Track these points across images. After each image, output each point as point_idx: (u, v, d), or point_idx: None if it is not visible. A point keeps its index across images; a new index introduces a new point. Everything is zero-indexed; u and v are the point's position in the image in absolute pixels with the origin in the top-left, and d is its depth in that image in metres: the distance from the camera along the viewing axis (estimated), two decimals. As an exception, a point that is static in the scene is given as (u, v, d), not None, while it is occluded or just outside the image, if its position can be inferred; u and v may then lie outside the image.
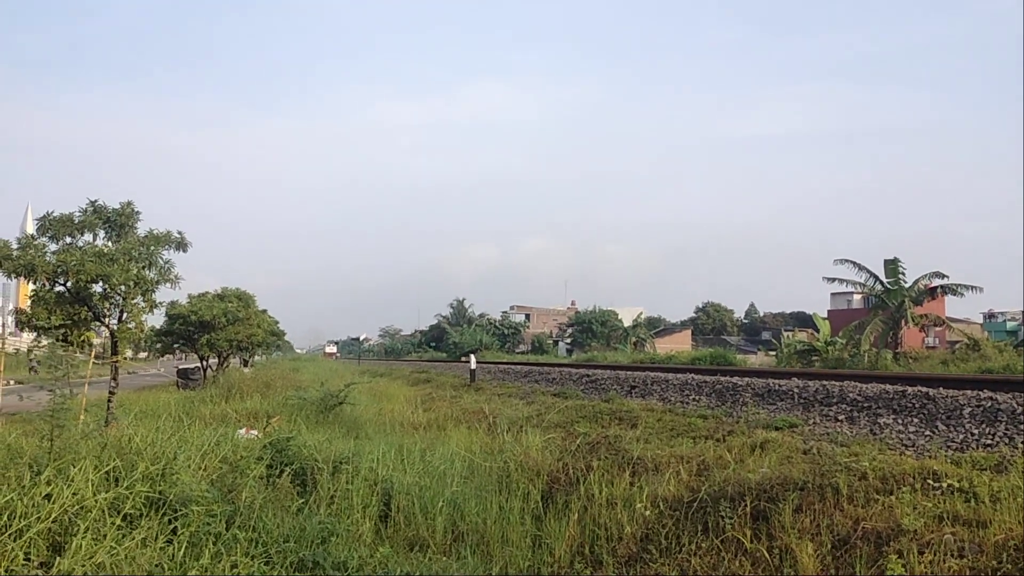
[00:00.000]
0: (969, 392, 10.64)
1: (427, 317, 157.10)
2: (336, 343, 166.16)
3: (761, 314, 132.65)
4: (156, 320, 27.23)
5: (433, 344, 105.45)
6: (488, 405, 19.05)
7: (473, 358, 32.45)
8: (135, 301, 15.18)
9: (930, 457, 8.03)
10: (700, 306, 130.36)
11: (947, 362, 28.39)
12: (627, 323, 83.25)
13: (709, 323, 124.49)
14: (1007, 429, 8.93)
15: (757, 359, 58.75)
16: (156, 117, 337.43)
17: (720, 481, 8.18)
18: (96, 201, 15.33)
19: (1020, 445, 8.25)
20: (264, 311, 38.57)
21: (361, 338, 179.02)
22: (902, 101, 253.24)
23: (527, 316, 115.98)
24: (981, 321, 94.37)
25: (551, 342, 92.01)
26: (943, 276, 37.68)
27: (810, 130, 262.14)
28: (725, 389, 15.02)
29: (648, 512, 8.07)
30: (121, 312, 15.36)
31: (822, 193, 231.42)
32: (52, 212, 14.86)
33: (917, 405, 10.63)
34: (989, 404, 9.76)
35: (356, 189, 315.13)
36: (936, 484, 6.74)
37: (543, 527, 8.61)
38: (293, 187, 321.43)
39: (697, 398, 15.26)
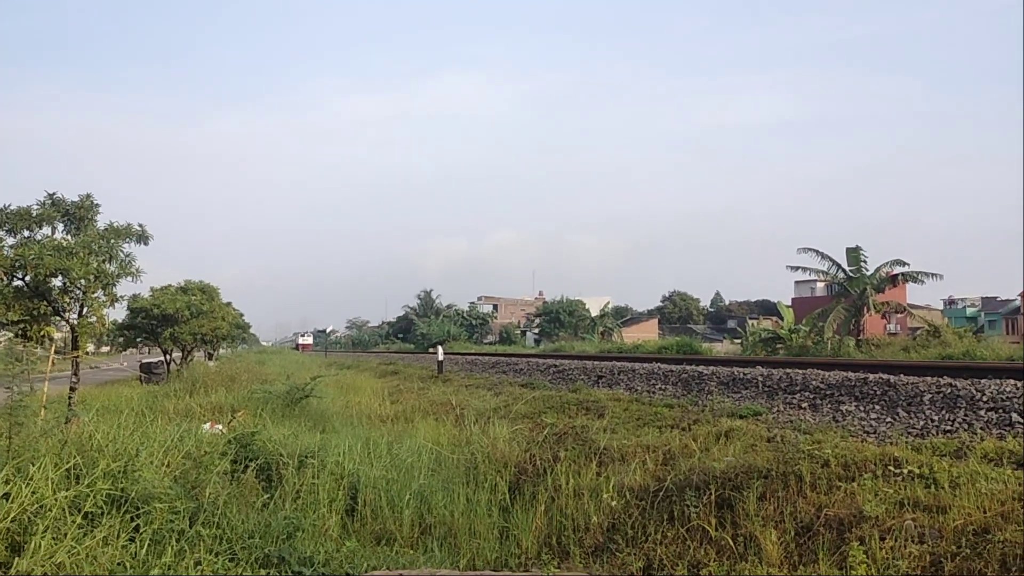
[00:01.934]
0: (929, 379, 10.81)
1: (395, 308, 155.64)
2: (310, 333, 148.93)
3: (727, 303, 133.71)
4: (118, 314, 26.92)
5: (401, 335, 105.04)
6: (456, 396, 19.04)
7: (440, 349, 32.39)
8: (96, 295, 14.95)
9: (891, 444, 8.15)
10: (667, 295, 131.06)
11: (908, 349, 28.77)
12: (594, 313, 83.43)
13: (676, 312, 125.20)
14: (966, 415, 9.08)
15: (723, 347, 59.21)
16: (114, 110, 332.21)
17: (686, 470, 8.25)
18: (54, 194, 15.06)
19: (979, 431, 8.40)
20: (229, 304, 38.19)
21: (328, 330, 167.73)
22: (863, 91, 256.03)
23: (495, 307, 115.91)
24: (941, 308, 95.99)
25: (519, 332, 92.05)
26: (904, 264, 38.21)
27: (773, 120, 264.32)
28: (691, 378, 15.14)
29: (614, 502, 8.12)
30: (81, 306, 15.12)
31: (786, 182, 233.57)
32: (9, 205, 14.57)
33: (879, 392, 10.78)
34: (948, 391, 9.92)
35: (322, 182, 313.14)
36: (897, 470, 6.84)
37: (510, 519, 8.63)
38: (258, 180, 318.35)
39: (663, 387, 15.36)
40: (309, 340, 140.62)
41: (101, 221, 15.44)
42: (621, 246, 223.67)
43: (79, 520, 5.72)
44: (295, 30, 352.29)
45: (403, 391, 23.29)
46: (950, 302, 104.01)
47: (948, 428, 8.85)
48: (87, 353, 18.47)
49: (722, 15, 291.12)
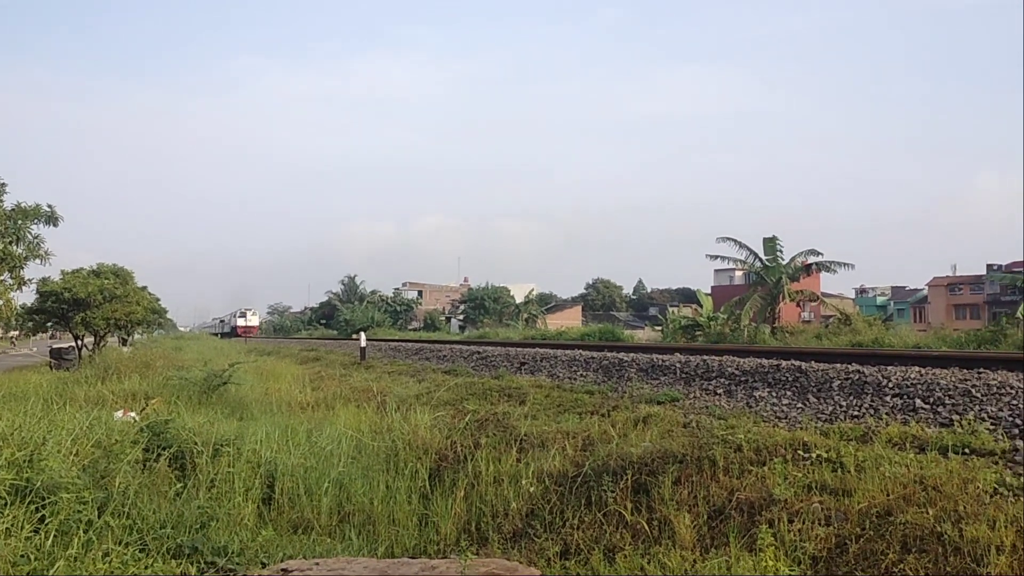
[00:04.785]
0: (839, 366, 11.17)
1: (317, 294, 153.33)
2: (253, 311, 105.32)
3: (649, 290, 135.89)
4: (26, 298, 25.97)
5: (323, 322, 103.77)
6: (378, 383, 18.92)
7: (363, 336, 32.15)
8: (1, 278, 14.43)
9: (801, 429, 8.38)
10: (590, 283, 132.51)
11: (820, 336, 29.67)
12: (519, 300, 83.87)
13: (599, 299, 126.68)
14: (872, 401, 9.41)
15: (644, 334, 60.15)
16: (19, 83, 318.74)
17: (604, 456, 8.36)
18: (-44, 173, 14.43)
19: (884, 416, 8.71)
20: (144, 288, 37.15)
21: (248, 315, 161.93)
22: (776, 84, 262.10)
23: (420, 293, 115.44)
24: (853, 296, 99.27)
25: (443, 319, 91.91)
26: (818, 253, 39.38)
27: (696, 111, 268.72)
28: (611, 365, 15.33)
29: (533, 488, 8.19)
30: (-14, 290, 14.57)
31: (707, 172, 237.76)
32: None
33: (790, 378, 11.09)
34: (856, 377, 10.26)
35: (244, 163, 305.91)
36: (806, 455, 7.05)
37: (430, 505, 8.64)
38: (176, 161, 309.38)
39: (584, 374, 15.52)
40: (255, 321, 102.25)
41: (8, 201, 14.87)
42: (547, 234, 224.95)
43: (-20, 512, 5.52)
44: (215, 3, 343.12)
45: (324, 378, 23.02)
46: (861, 291, 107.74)
47: (855, 414, 9.16)
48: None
49: (645, 7, 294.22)
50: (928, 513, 5.26)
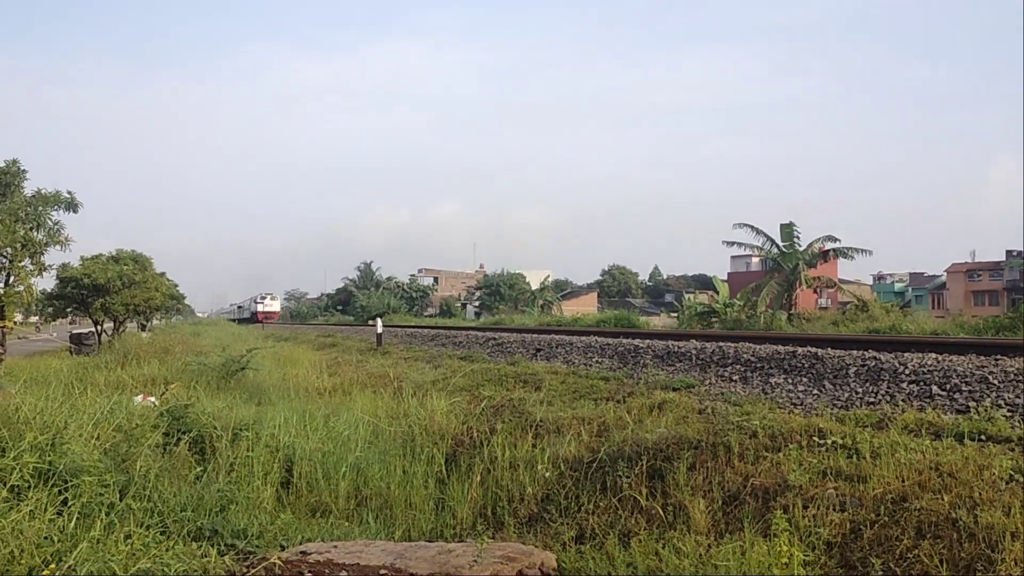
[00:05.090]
0: (855, 352, 11.14)
1: (334, 281, 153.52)
2: (274, 296, 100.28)
3: (665, 277, 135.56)
4: (47, 283, 26.21)
5: (340, 308, 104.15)
6: (394, 369, 19.01)
7: (380, 322, 32.25)
8: (23, 264, 14.60)
9: (817, 415, 8.39)
10: (606, 269, 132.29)
11: (837, 323, 29.49)
12: (535, 286, 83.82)
13: (615, 286, 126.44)
14: (889, 388, 9.39)
15: (660, 321, 60.02)
16: (43, 74, 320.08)
17: (619, 441, 8.39)
18: (-23, 160, 14.58)
19: (900, 403, 8.70)
20: (163, 274, 37.43)
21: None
22: (796, 72, 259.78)
23: (435, 279, 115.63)
24: (871, 283, 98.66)
25: (459, 305, 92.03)
26: (835, 240, 39.18)
27: (713, 98, 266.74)
28: (627, 351, 15.35)
29: (549, 473, 8.24)
30: (8, 275, 14.71)
31: (725, 158, 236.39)
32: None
33: (806, 365, 11.07)
34: (873, 364, 10.24)
35: (261, 150, 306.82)
36: (821, 441, 7.05)
37: (446, 490, 8.71)
38: (194, 148, 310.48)
39: (600, 360, 15.54)
40: (275, 306, 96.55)
41: (28, 188, 15.01)
42: (563, 220, 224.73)
43: (4, 493, 5.61)
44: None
45: (341, 364, 23.15)
46: (879, 277, 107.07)
47: (871, 400, 9.14)
48: (14, 323, 17.97)
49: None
50: (943, 499, 5.26)
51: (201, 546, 5.72)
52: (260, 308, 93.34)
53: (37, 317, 46.62)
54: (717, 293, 44.36)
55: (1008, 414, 7.59)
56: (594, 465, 8.03)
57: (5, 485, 5.71)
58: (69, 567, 4.82)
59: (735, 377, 11.69)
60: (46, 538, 5.31)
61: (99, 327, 29.57)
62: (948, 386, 8.88)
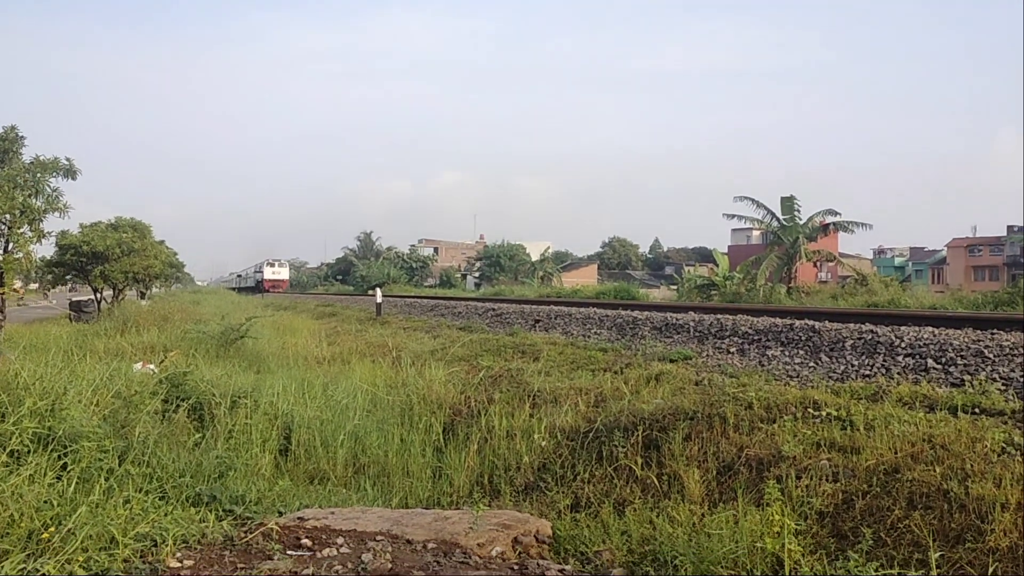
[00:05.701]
0: (852, 325, 11.17)
1: (334, 250, 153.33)
2: (282, 263, 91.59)
3: (665, 249, 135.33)
4: (46, 251, 26.21)
5: (340, 278, 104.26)
6: (393, 339, 19.07)
7: (379, 292, 32.29)
8: (21, 231, 14.56)
9: (812, 387, 8.43)
10: (606, 241, 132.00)
11: (836, 296, 29.53)
12: (535, 257, 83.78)
13: (615, 258, 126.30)
14: (884, 361, 9.43)
15: (660, 293, 59.99)
16: (41, 39, 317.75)
17: (615, 412, 8.45)
18: (-26, 126, 14.52)
19: (895, 376, 8.74)
20: (162, 242, 37.41)
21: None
22: (799, 41, 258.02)
23: (435, 250, 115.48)
24: (871, 257, 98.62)
25: (459, 276, 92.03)
26: (836, 213, 39.07)
27: (714, 68, 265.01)
28: (625, 323, 15.38)
29: (545, 443, 8.30)
30: (7, 242, 14.70)
31: (724, 130, 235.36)
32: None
33: (803, 338, 11.11)
34: (870, 337, 10.27)
35: (261, 118, 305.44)
36: (816, 413, 7.10)
37: (444, 458, 8.77)
38: (193, 116, 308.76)
39: (598, 331, 15.58)
40: (283, 274, 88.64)
41: (27, 154, 14.97)
42: (563, 191, 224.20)
43: (4, 458, 5.65)
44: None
45: (340, 333, 23.21)
46: (879, 252, 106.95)
47: (867, 373, 9.19)
48: (13, 290, 17.98)
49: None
50: (935, 471, 5.30)
51: (199, 511, 5.77)
52: (267, 275, 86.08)
53: (37, 284, 46.71)
54: (717, 266, 44.34)
55: (1003, 388, 7.63)
56: (590, 435, 8.09)
57: (5, 450, 5.75)
58: (68, 530, 4.86)
59: (732, 349, 11.73)
60: (45, 502, 5.35)
61: (98, 294, 29.59)
62: (944, 360, 8.91)
